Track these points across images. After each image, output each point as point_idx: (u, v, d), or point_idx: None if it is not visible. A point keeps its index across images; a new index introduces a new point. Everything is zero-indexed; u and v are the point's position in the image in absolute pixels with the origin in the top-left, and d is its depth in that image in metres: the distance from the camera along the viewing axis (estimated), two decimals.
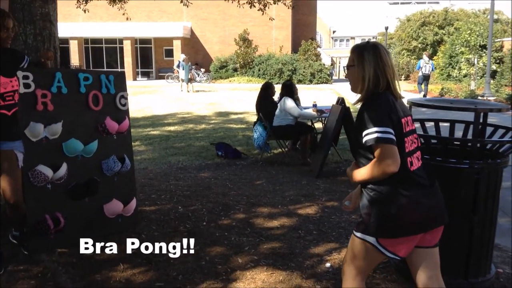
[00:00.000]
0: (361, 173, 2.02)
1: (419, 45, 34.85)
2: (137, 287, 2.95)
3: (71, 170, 3.38)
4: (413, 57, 34.59)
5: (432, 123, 3.37)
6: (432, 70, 18.73)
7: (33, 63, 3.35)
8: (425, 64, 17.50)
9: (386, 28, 32.64)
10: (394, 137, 1.91)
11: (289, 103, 6.66)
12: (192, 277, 3.07)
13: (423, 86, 17.77)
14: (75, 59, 33.10)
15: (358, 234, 2.07)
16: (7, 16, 2.98)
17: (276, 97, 7.48)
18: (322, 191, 5.21)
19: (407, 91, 21.97)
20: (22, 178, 3.14)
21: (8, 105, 3.05)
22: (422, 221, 2.00)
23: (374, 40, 2.13)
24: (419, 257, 2.11)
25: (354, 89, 2.13)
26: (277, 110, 6.82)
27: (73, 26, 30.16)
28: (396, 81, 2.07)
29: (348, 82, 2.16)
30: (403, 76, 31.24)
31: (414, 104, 3.16)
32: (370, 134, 1.91)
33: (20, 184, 3.12)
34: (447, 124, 3.32)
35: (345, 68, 2.14)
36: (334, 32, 73.50)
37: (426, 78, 17.77)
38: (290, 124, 6.75)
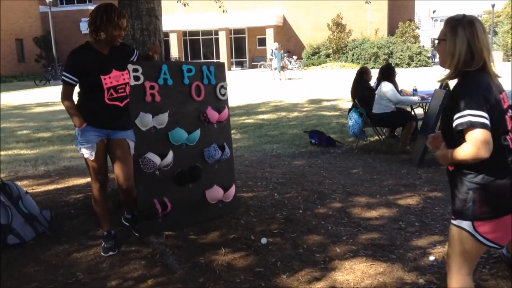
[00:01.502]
0: (452, 154, 1.90)
1: None
2: (238, 270, 3.05)
3: (176, 157, 3.57)
4: None
5: None
6: None
7: (142, 56, 3.57)
8: None
9: (493, 6, 30.05)
10: (488, 122, 1.80)
11: (386, 87, 6.41)
12: (290, 264, 3.11)
13: None
14: (174, 51, 34.87)
15: (455, 222, 2.00)
16: (123, 16, 3.19)
17: (372, 83, 7.25)
18: (424, 181, 4.97)
19: None
20: (134, 165, 3.39)
21: (121, 97, 3.29)
22: None
23: (470, 15, 1.97)
24: None
25: (442, 64, 2.03)
26: (376, 97, 6.60)
27: (172, 19, 31.67)
28: (491, 64, 1.94)
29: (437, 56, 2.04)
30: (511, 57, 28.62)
31: None
32: (462, 117, 1.82)
33: (132, 170, 3.37)
34: None
35: (436, 40, 2.03)
36: (434, 12, 69.22)
37: None
38: (390, 111, 6.49)
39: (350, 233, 3.59)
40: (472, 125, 1.79)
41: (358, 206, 4.19)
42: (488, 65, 1.93)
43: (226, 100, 3.90)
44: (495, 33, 36.36)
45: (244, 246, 3.39)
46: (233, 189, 3.93)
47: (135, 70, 3.35)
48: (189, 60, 32.71)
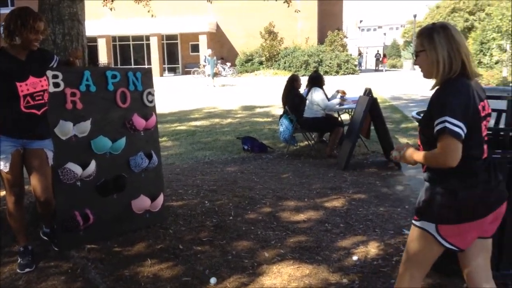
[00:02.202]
0: (420, 155, 1.95)
1: None
2: (164, 281, 2.99)
3: (100, 167, 3.44)
4: None
5: None
6: None
7: (62, 62, 3.42)
8: None
9: (415, 16, 31.99)
10: (462, 132, 1.82)
11: (317, 94, 6.64)
12: (219, 271, 3.09)
13: None
14: (103, 57, 33.74)
15: (417, 223, 2.01)
16: (39, 19, 3.03)
17: (302, 90, 7.44)
18: (349, 184, 5.15)
19: None
20: (52, 175, 3.22)
21: (38, 104, 3.13)
22: (485, 206, 1.92)
23: (442, 21, 2.03)
24: (475, 249, 2.03)
25: (427, 75, 2.02)
26: (307, 102, 6.80)
27: (101, 24, 30.69)
28: (471, 61, 1.95)
29: (420, 69, 2.06)
30: None
31: None
32: (440, 123, 1.83)
33: (50, 181, 3.20)
34: None
35: (414, 54, 2.04)
36: (361, 21, 72.41)
37: None
38: (320, 116, 6.72)
39: (278, 237, 3.64)
40: (446, 132, 1.82)
41: (287, 210, 4.26)
42: (467, 65, 1.93)
43: (154, 107, 3.82)
44: None
45: (172, 256, 3.33)
46: (161, 198, 3.85)
47: (55, 77, 3.20)
48: (119, 66, 31.81)
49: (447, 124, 1.81)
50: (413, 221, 2.05)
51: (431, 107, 1.93)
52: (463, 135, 1.82)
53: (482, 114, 1.94)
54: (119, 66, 31.49)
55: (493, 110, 3.15)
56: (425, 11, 39.95)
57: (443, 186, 1.93)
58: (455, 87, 1.89)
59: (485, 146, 1.98)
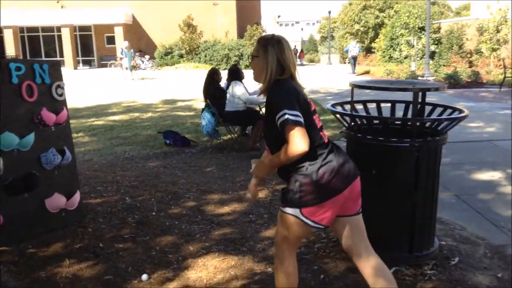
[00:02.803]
0: (276, 159, 2.11)
1: (361, 28, 35.63)
2: (84, 281, 2.85)
3: (7, 164, 3.20)
4: (355, 40, 35.40)
5: (374, 104, 3.46)
6: (359, 51, 24.09)
7: None
8: (353, 48, 22.54)
9: (329, 12, 33.18)
10: (302, 120, 2.02)
11: (238, 88, 6.65)
12: (142, 268, 3.01)
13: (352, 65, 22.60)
14: (10, 49, 31.31)
15: (284, 209, 2.18)
16: None
17: (222, 83, 7.43)
18: (272, 175, 5.18)
19: (360, 74, 22.52)
20: None
21: None
22: (339, 182, 2.11)
23: (278, 35, 2.30)
24: (344, 226, 2.24)
25: (256, 78, 2.25)
26: (229, 96, 6.78)
27: (6, 13, 28.47)
28: (297, 74, 2.21)
29: (252, 71, 2.27)
30: (347, 60, 31.95)
31: (356, 86, 3.22)
32: (282, 116, 2.02)
33: None
34: (389, 105, 3.42)
35: (250, 57, 2.26)
36: (279, 16, 73.77)
37: (354, 58, 22.69)
38: (241, 109, 6.74)
39: (203, 231, 3.62)
40: (290, 122, 1.99)
41: (212, 203, 4.25)
42: (294, 76, 2.20)
43: (64, 101, 3.61)
44: (332, 37, 40.14)
45: (92, 255, 3.19)
46: (77, 196, 3.66)
47: None
48: (27, 58, 29.73)
49: (288, 116, 2.00)
50: (280, 208, 2.22)
51: (269, 107, 2.13)
52: (303, 121, 2.02)
53: (312, 108, 2.20)
54: (26, 58, 29.44)
55: (401, 101, 3.39)
56: (339, 8, 41.52)
57: (298, 173, 2.10)
58: (284, 85, 2.14)
59: (322, 133, 2.20)
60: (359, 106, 3.48)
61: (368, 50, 33.49)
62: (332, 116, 9.14)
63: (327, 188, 2.09)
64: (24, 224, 3.32)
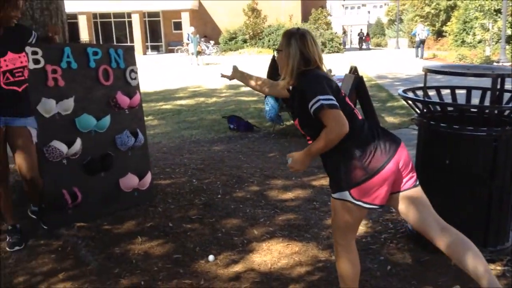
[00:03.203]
0: (317, 145, 2.08)
1: (432, 11, 33.97)
2: (155, 258, 2.98)
3: (86, 145, 3.39)
4: (426, 23, 33.81)
5: (448, 91, 3.29)
6: (428, 35, 23.71)
7: (41, 38, 3.32)
8: (421, 31, 21.98)
9: None
10: (336, 102, 2.03)
11: None
12: (209, 249, 3.10)
13: (419, 50, 22.35)
14: (84, 35, 33.02)
15: (335, 195, 2.15)
16: None
17: None
18: None
19: (426, 58, 21.57)
20: (38, 154, 3.16)
21: (18, 81, 3.04)
22: (382, 156, 2.07)
23: (302, 27, 2.31)
24: (404, 203, 2.17)
25: (280, 71, 2.26)
26: None
27: (81, 1, 29.94)
28: (323, 67, 2.21)
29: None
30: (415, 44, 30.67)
31: (429, 71, 3.08)
32: (316, 103, 2.02)
33: (36, 160, 3.14)
34: (464, 91, 3.24)
35: (276, 51, 2.28)
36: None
37: (422, 42, 22.38)
38: None
39: (267, 215, 3.66)
40: (325, 107, 2.00)
41: (275, 189, 4.27)
42: (321, 68, 2.20)
43: (137, 85, 3.75)
44: (401, 20, 38.64)
45: (162, 233, 3.32)
46: (148, 177, 3.82)
47: (34, 53, 3.11)
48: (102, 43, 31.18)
49: (322, 101, 2.01)
50: (331, 195, 2.19)
51: (301, 98, 2.12)
52: (337, 104, 2.03)
53: (342, 93, 2.18)
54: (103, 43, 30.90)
55: (478, 88, 3.20)
56: None
57: (340, 155, 2.09)
58: (312, 73, 2.14)
59: (356, 111, 2.20)
60: (432, 93, 3.33)
61: (439, 34, 31.93)
62: (400, 102, 8.88)
63: (372, 163, 2.05)
64: (100, 202, 3.52)
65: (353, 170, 2.06)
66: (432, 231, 2.13)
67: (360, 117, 2.19)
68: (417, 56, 22.19)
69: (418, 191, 2.19)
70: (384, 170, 2.05)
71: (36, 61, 3.12)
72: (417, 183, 2.19)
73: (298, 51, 2.15)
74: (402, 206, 2.18)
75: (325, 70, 2.23)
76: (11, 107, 3.03)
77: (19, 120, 3.08)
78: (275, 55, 2.32)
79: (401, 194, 2.16)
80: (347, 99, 2.19)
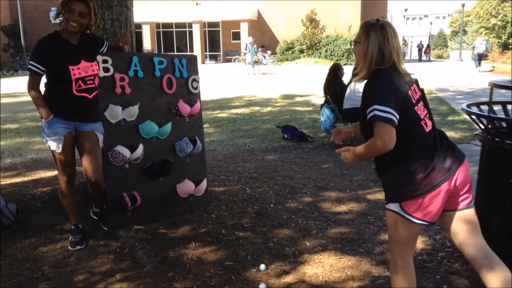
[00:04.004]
0: (361, 148, 2.09)
1: (499, 23, 32.48)
2: (208, 264, 3.05)
3: (147, 151, 3.52)
4: (491, 35, 32.35)
5: None
6: (486, 48, 23.50)
7: (112, 47, 3.51)
8: (479, 44, 22.00)
9: (463, 5, 30.82)
10: (393, 116, 1.97)
11: (362, 84, 6.50)
12: (260, 258, 3.13)
13: (477, 62, 22.28)
14: (147, 43, 34.33)
15: (388, 206, 2.12)
16: (80, 1, 3.06)
17: (345, 79, 7.32)
18: None
19: (488, 71, 20.69)
20: (102, 158, 3.33)
21: (89, 88, 3.23)
22: (440, 173, 2.01)
23: (385, 19, 2.17)
24: (452, 221, 2.12)
25: (357, 65, 2.20)
26: (348, 92, 6.67)
27: (145, 10, 31.18)
28: (401, 63, 2.12)
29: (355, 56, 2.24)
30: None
31: (496, 86, 2.97)
32: (371, 111, 2.00)
33: (101, 163, 3.31)
34: None
35: (352, 42, 2.23)
36: (406, 10, 70.33)
37: (480, 56, 22.30)
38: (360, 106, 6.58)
39: (319, 227, 3.63)
40: (377, 119, 1.97)
41: (328, 201, 4.24)
42: (397, 65, 2.10)
43: (198, 94, 3.86)
44: (465, 32, 37.22)
45: (215, 240, 3.38)
46: (204, 183, 3.91)
47: (105, 61, 3.28)
48: (162, 53, 32.33)
49: (376, 112, 1.97)
50: (385, 206, 2.15)
51: (364, 98, 2.10)
52: (394, 119, 1.96)
53: (416, 97, 2.11)
54: (165, 53, 32.02)
55: None
56: (474, 1, 38.26)
57: (397, 165, 2.05)
58: (382, 77, 2.06)
59: (427, 121, 2.11)
60: (497, 107, 3.19)
61: (505, 47, 30.44)
62: (461, 117, 8.55)
63: (427, 180, 1.99)
64: (158, 206, 3.64)
65: (406, 184, 2.03)
66: (480, 263, 2.08)
67: (427, 129, 2.09)
68: (477, 67, 22.19)
69: (471, 212, 2.13)
70: (439, 188, 2.01)
71: (106, 69, 3.30)
72: (472, 204, 2.13)
73: (377, 44, 2.07)
74: (452, 225, 2.13)
75: (401, 68, 2.12)
76: (82, 113, 3.22)
77: (88, 125, 3.26)
78: (351, 46, 2.29)
79: (454, 213, 2.11)
80: (418, 106, 2.10)
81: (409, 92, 2.08)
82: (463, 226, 2.11)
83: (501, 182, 2.78)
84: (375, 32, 2.08)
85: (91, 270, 2.98)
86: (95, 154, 3.26)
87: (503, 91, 3.06)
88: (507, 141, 2.75)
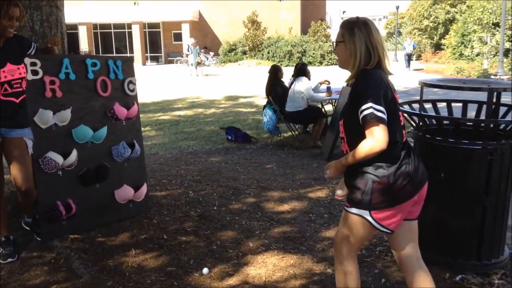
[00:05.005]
0: (350, 156, 2.02)
1: (431, 24, 34.19)
2: (149, 271, 2.96)
3: (81, 156, 3.38)
4: (424, 36, 33.97)
5: (444, 104, 3.31)
6: (414, 48, 25.74)
7: (41, 49, 3.34)
8: (407, 45, 24.17)
9: (397, 7, 32.11)
10: (385, 117, 1.92)
11: (302, 83, 6.60)
12: (203, 261, 3.08)
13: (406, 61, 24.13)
14: (84, 45, 33.16)
15: (352, 210, 2.07)
16: (14, 4, 2.93)
17: (285, 80, 7.42)
18: None
19: (419, 70, 21.73)
20: (33, 165, 3.16)
21: (16, 92, 3.05)
22: (412, 187, 2.02)
23: (363, 16, 2.12)
24: (403, 230, 2.15)
25: (343, 65, 2.13)
26: (290, 93, 6.75)
27: (81, 10, 30.12)
28: (386, 59, 2.07)
29: (337, 58, 2.16)
30: (414, 56, 30.79)
31: (426, 84, 3.10)
32: (366, 109, 1.91)
33: (31, 171, 3.14)
34: (460, 105, 3.26)
35: (334, 43, 2.12)
36: (344, 12, 72.54)
37: (409, 55, 24.14)
38: (303, 108, 6.69)
39: (263, 227, 3.64)
40: (373, 118, 1.90)
41: (271, 200, 4.26)
42: (382, 61, 2.05)
43: (135, 96, 3.76)
44: (400, 33, 38.85)
45: (156, 246, 3.30)
46: (144, 188, 3.81)
47: (33, 64, 3.12)
48: (100, 54, 31.31)
49: (373, 110, 1.89)
50: (345, 208, 2.12)
51: (353, 97, 2.02)
52: (386, 119, 1.92)
53: (398, 102, 2.08)
54: (100, 54, 31.03)
55: (474, 101, 3.21)
56: (407, 2, 40.11)
57: (374, 173, 1.99)
58: (374, 76, 1.99)
59: (403, 131, 2.09)
60: (428, 106, 3.34)
61: (437, 47, 32.11)
62: None
63: (401, 192, 1.99)
64: (95, 214, 3.51)
65: (381, 193, 1.99)
66: (410, 266, 2.16)
67: (404, 138, 2.07)
68: (407, 67, 23.98)
69: (416, 223, 2.19)
70: (409, 202, 2.02)
71: (35, 72, 3.13)
72: (418, 216, 2.18)
73: (363, 42, 2.00)
74: (400, 232, 2.15)
75: (386, 66, 2.07)
76: (8, 118, 3.03)
77: (16, 131, 3.08)
78: (333, 47, 2.16)
79: (405, 222, 2.13)
80: (400, 113, 2.09)
81: (395, 95, 2.07)
82: (409, 236, 2.16)
83: (433, 177, 2.90)
84: (359, 29, 2.02)
85: (24, 283, 2.82)
86: (24, 161, 3.08)
87: (436, 90, 3.26)
88: (437, 138, 2.87)
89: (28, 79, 3.10)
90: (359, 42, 2.01)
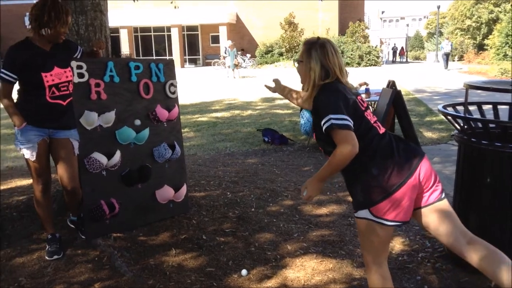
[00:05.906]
0: (323, 169, 2.09)
1: (473, 24, 33.18)
2: (189, 271, 3.01)
3: (124, 157, 3.47)
4: (467, 36, 33.00)
5: (490, 106, 3.19)
6: (451, 48, 26.47)
7: (86, 53, 3.45)
8: (445, 45, 24.72)
9: (438, 7, 31.35)
10: (349, 123, 2.01)
11: None
12: (242, 263, 3.10)
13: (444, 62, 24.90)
14: (125, 48, 34.02)
15: (356, 214, 2.12)
16: (68, 12, 3.07)
17: None
18: None
19: (460, 70, 21.11)
20: (78, 165, 3.26)
21: (63, 95, 3.17)
22: (402, 171, 2.03)
23: (323, 38, 2.27)
24: (429, 217, 2.12)
25: (302, 83, 2.27)
26: None
27: (122, 14, 30.91)
28: (344, 78, 2.18)
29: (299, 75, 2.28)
30: (456, 57, 29.97)
31: (471, 87, 3.01)
32: (327, 122, 2.02)
33: (77, 171, 3.25)
34: (506, 107, 3.14)
35: (295, 61, 2.30)
36: (383, 12, 71.34)
37: (446, 55, 24.88)
38: None
39: (301, 230, 3.63)
40: (334, 127, 1.99)
41: (309, 203, 4.23)
42: (340, 79, 2.17)
43: (176, 98, 3.82)
44: (441, 33, 37.89)
45: (195, 246, 3.35)
46: (184, 189, 3.87)
47: (79, 67, 3.22)
48: (141, 57, 32.04)
49: (332, 121, 2.00)
50: (355, 215, 2.15)
51: (316, 111, 2.12)
52: (350, 124, 2.01)
53: (363, 106, 2.17)
54: (141, 57, 31.77)
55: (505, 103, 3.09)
56: (449, 2, 39.03)
57: (357, 172, 2.07)
58: (329, 89, 2.11)
59: (379, 124, 2.18)
60: (473, 108, 3.24)
61: (480, 47, 31.09)
62: (438, 117, 8.68)
63: (392, 180, 2.00)
64: (137, 213, 3.59)
65: (371, 189, 2.03)
66: (460, 245, 2.08)
67: (381, 131, 2.15)
68: (445, 67, 24.63)
69: (444, 204, 2.13)
70: (405, 186, 2.02)
71: (81, 75, 3.24)
72: (443, 195, 2.14)
73: (318, 62, 2.15)
74: (427, 221, 2.13)
75: (345, 81, 2.19)
76: (56, 120, 3.15)
77: (63, 132, 3.19)
78: (295, 65, 2.33)
79: (426, 208, 2.11)
80: (367, 113, 2.16)
81: (357, 100, 2.15)
82: (439, 219, 2.10)
83: (478, 182, 2.81)
84: (316, 50, 2.16)
85: (69, 280, 2.91)
86: (71, 161, 3.19)
87: (479, 91, 3.15)
88: (483, 142, 2.78)
89: (75, 81, 3.21)
90: (314, 62, 2.15)
